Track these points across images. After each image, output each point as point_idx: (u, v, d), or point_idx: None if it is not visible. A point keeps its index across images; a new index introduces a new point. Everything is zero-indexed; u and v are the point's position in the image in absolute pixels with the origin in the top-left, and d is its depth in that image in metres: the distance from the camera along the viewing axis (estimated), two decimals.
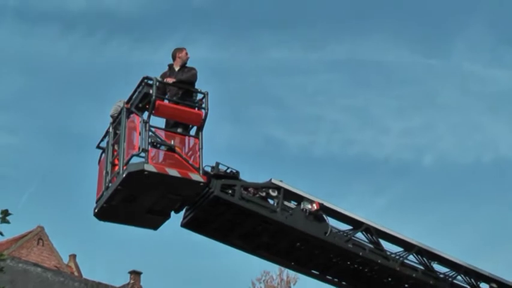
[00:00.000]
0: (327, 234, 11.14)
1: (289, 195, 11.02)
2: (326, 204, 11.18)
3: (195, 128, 10.52)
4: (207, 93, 10.52)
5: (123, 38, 76.30)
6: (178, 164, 9.93)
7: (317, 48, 70.45)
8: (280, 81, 69.09)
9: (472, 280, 12.87)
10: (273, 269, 39.92)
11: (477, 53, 70.29)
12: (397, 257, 12.02)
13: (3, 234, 8.92)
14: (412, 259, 12.27)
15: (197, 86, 10.81)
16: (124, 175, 9.72)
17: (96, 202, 10.57)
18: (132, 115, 10.31)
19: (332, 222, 11.41)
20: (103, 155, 10.95)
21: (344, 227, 11.66)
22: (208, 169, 10.34)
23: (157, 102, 10.16)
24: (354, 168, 68.75)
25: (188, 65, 11.01)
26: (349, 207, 12.70)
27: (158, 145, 10.14)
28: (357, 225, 11.65)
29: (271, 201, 10.84)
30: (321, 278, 12.07)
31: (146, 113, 10.17)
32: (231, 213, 10.65)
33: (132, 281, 35.54)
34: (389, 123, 73.09)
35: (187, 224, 10.81)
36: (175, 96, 10.56)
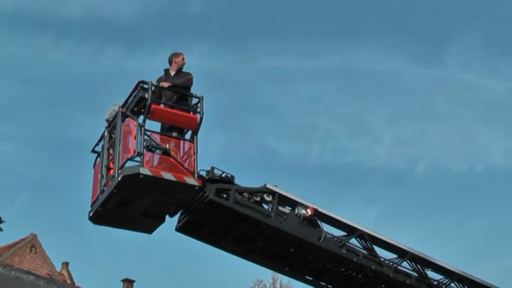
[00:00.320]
0: (320, 240, 11.14)
1: (284, 200, 11.04)
2: (320, 209, 11.18)
3: (190, 132, 10.54)
4: (202, 98, 10.55)
5: (118, 46, 76.40)
6: (174, 167, 9.95)
7: (311, 56, 70.79)
8: (274, 89, 69.32)
9: (466, 287, 12.89)
10: (266, 277, 39.90)
11: (470, 62, 70.77)
12: (391, 264, 12.02)
13: None
14: (405, 266, 12.28)
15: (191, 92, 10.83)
16: (119, 178, 9.73)
17: (91, 206, 10.56)
18: (127, 119, 10.33)
19: (326, 227, 11.40)
20: (98, 159, 10.95)
21: (338, 232, 11.68)
22: (203, 173, 10.38)
23: (153, 106, 10.18)
24: (348, 177, 69.05)
25: (184, 70, 11.05)
26: (343, 216, 12.70)
27: (153, 149, 10.17)
28: (351, 231, 11.66)
29: (265, 206, 10.85)
30: (315, 283, 12.04)
31: (141, 117, 10.20)
32: (225, 218, 10.65)
33: None
34: (383, 132, 73.40)
35: (181, 228, 10.81)
36: (171, 101, 10.58)
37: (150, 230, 10.91)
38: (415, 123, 69.44)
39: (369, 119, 70.79)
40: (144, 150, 9.87)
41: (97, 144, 11.06)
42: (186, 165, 10.09)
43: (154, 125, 10.46)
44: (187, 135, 10.58)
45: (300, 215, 10.96)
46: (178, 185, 9.89)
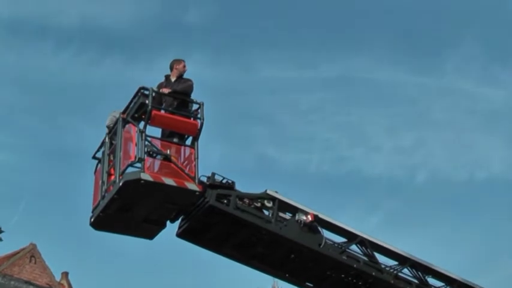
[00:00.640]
0: (321, 246, 11.15)
1: (284, 206, 11.05)
2: (321, 216, 11.19)
3: (190, 138, 10.57)
4: (203, 104, 10.57)
5: (117, 55, 76.50)
6: (174, 173, 9.97)
7: (310, 66, 70.71)
8: (273, 99, 69.36)
9: None
10: (266, 284, 39.76)
11: (469, 71, 70.67)
12: (392, 270, 12.03)
13: None
14: (406, 272, 12.29)
15: None
16: (120, 184, 9.74)
17: (92, 211, 10.58)
18: (128, 125, 10.35)
19: (327, 234, 11.41)
20: (99, 165, 10.98)
21: (339, 239, 11.69)
22: (204, 179, 10.41)
23: (153, 112, 10.20)
24: (347, 186, 68.90)
25: (184, 77, 11.09)
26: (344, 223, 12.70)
27: (154, 154, 10.20)
28: (351, 237, 11.67)
29: (266, 212, 10.87)
30: None
31: (142, 123, 10.22)
32: (226, 223, 10.66)
33: None
34: (382, 141, 73.38)
35: (182, 234, 10.82)
36: (171, 107, 10.61)
37: (150, 235, 10.92)
38: (415, 132, 69.42)
39: (368, 128, 70.83)
40: (145, 156, 9.88)
41: (98, 151, 11.09)
42: (186, 171, 10.10)
43: (155, 131, 10.50)
44: (188, 141, 10.61)
45: (301, 221, 10.97)
46: (179, 190, 9.90)
